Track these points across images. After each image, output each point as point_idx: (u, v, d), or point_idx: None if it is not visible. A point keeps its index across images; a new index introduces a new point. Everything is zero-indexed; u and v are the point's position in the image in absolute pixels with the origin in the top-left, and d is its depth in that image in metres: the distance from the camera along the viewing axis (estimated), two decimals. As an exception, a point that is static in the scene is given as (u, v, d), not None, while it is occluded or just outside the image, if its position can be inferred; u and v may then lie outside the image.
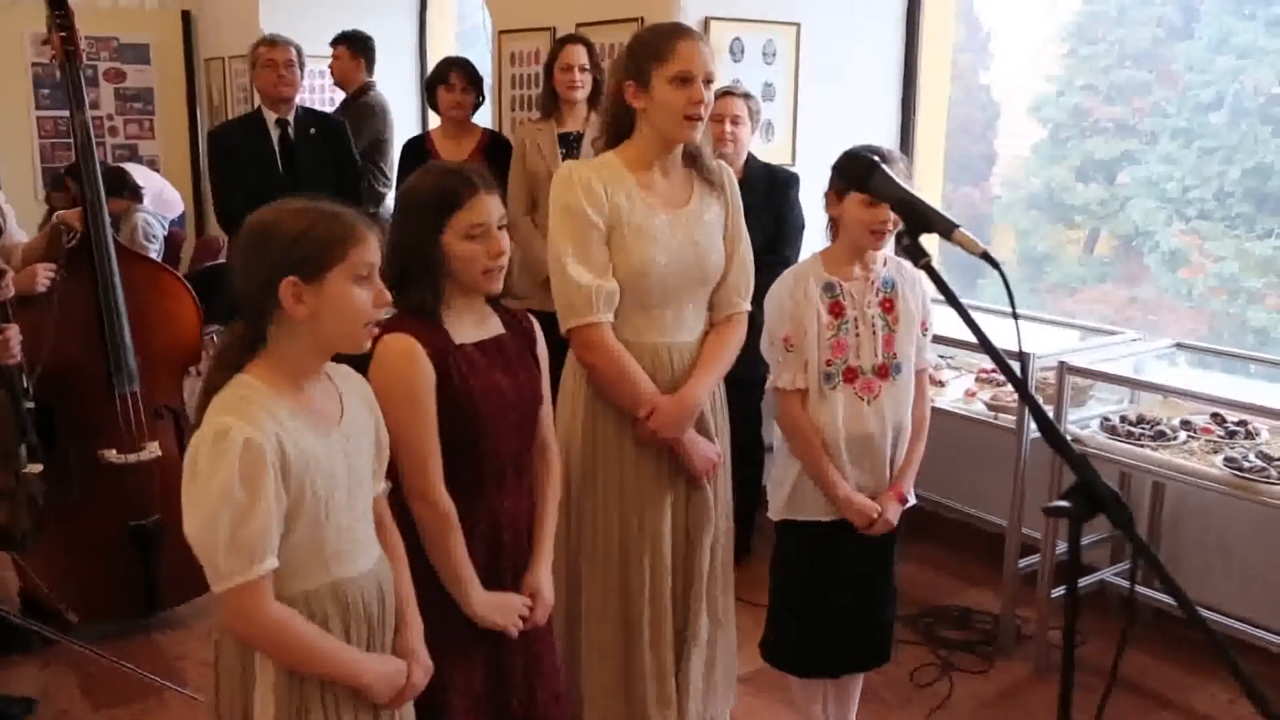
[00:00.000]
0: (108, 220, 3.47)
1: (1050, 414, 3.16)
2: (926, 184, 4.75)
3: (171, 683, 3.28)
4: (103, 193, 3.46)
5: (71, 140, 3.61)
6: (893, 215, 2.36)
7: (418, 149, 4.61)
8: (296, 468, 1.64)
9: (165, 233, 6.48)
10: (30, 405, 3.11)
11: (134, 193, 6.16)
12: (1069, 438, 3.24)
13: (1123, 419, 3.41)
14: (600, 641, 2.51)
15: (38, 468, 3.11)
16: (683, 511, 2.53)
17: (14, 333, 2.81)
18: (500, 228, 2.01)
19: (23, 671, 3.41)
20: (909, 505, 2.62)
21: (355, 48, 5.56)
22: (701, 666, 2.57)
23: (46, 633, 2.82)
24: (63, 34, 3.45)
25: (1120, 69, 6.93)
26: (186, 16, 8.65)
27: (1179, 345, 3.81)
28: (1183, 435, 3.29)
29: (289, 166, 4.40)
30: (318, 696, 1.74)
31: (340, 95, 5.85)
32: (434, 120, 4.92)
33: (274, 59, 4.41)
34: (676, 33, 2.35)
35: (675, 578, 2.53)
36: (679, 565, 2.53)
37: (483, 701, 2.10)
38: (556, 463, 2.24)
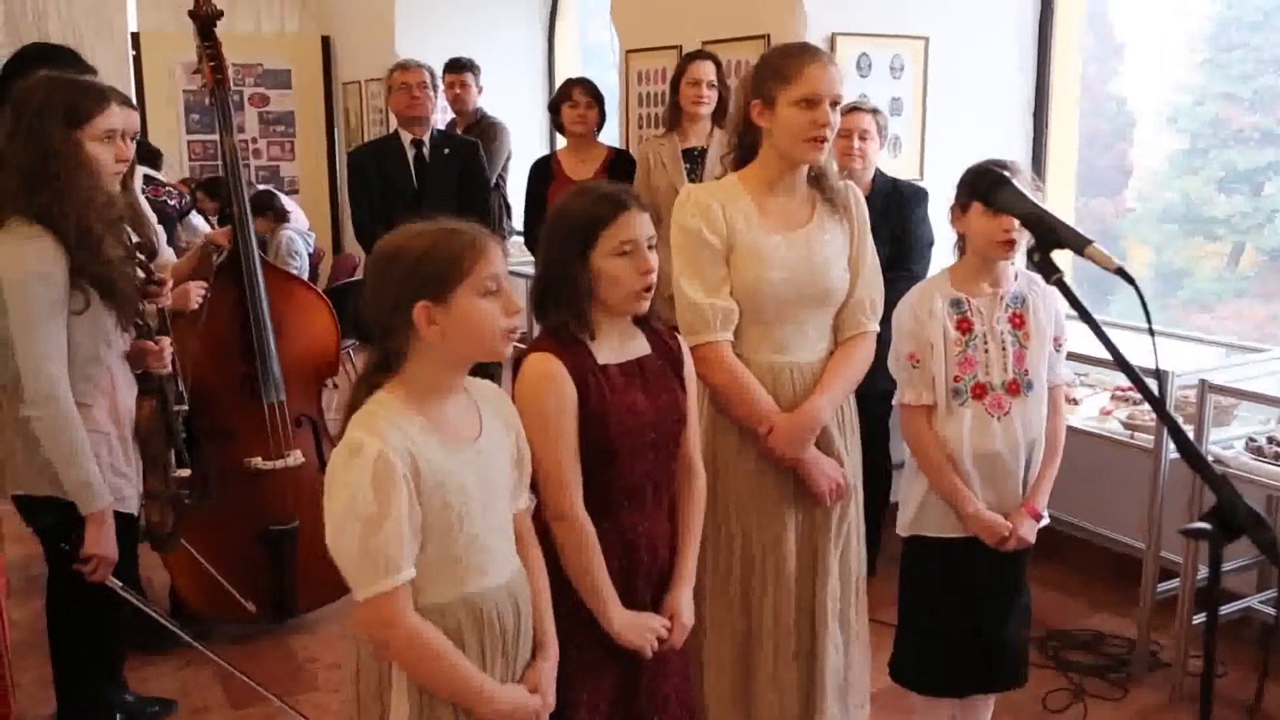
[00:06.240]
0: (254, 237, 3.63)
1: (1191, 434, 3.07)
2: (1058, 198, 4.64)
3: (299, 686, 3.42)
4: (249, 211, 3.62)
5: (220, 162, 3.78)
6: (1019, 226, 2.33)
7: (544, 168, 4.70)
8: (429, 482, 1.69)
9: (310, 250, 6.77)
10: (184, 410, 3.28)
11: (279, 214, 6.52)
12: (1210, 459, 3.13)
13: (1270, 440, 3.27)
14: (719, 655, 2.50)
15: (185, 472, 3.26)
16: (809, 528, 2.50)
17: (166, 343, 2.97)
18: (650, 247, 2.01)
19: (163, 669, 3.56)
20: (1043, 523, 2.57)
21: (477, 73, 5.71)
22: (834, 687, 2.54)
23: (171, 627, 2.94)
24: (212, 64, 3.62)
25: (1261, 76, 6.66)
26: (326, 42, 9.00)
27: (1330, 364, 3.64)
28: (1334, 458, 3.15)
29: (420, 185, 4.55)
30: (449, 704, 1.77)
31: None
32: (560, 142, 5.01)
33: (407, 81, 4.57)
34: (804, 55, 2.35)
35: (800, 595, 2.50)
36: (805, 583, 2.51)
37: (611, 717, 2.10)
38: (701, 485, 2.22)
